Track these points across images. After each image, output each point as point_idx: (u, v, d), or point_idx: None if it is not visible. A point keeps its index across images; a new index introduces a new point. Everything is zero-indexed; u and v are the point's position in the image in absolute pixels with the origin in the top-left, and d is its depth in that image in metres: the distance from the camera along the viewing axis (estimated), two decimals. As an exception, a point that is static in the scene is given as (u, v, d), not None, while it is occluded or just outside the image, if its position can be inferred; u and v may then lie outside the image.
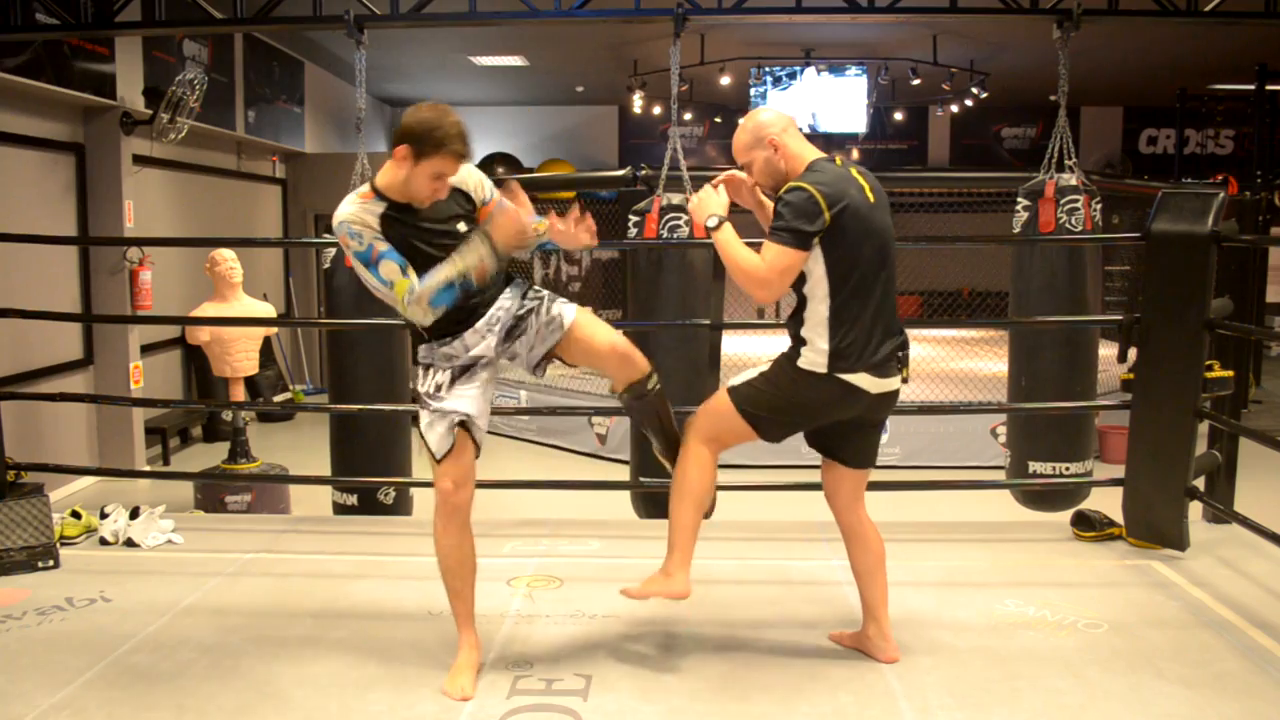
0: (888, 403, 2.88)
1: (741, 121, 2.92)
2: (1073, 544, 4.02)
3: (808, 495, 3.69)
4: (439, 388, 2.84)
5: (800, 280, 2.80)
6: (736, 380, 2.93)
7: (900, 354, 2.84)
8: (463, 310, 2.83)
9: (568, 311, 2.92)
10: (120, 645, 3.07)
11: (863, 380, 2.76)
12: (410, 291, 2.70)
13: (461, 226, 2.82)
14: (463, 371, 2.86)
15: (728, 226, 2.85)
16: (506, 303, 2.91)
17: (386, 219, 2.73)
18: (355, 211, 2.73)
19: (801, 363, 2.80)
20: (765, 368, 2.91)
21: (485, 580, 3.31)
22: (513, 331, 2.92)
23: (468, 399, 2.84)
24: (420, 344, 2.92)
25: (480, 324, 2.86)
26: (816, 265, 2.75)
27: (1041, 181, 4.24)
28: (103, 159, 6.77)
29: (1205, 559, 3.81)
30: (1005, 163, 14.00)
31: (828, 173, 2.76)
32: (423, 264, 2.74)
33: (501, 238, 2.76)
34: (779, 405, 2.85)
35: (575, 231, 2.88)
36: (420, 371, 2.91)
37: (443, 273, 2.71)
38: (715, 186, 2.93)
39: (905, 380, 2.89)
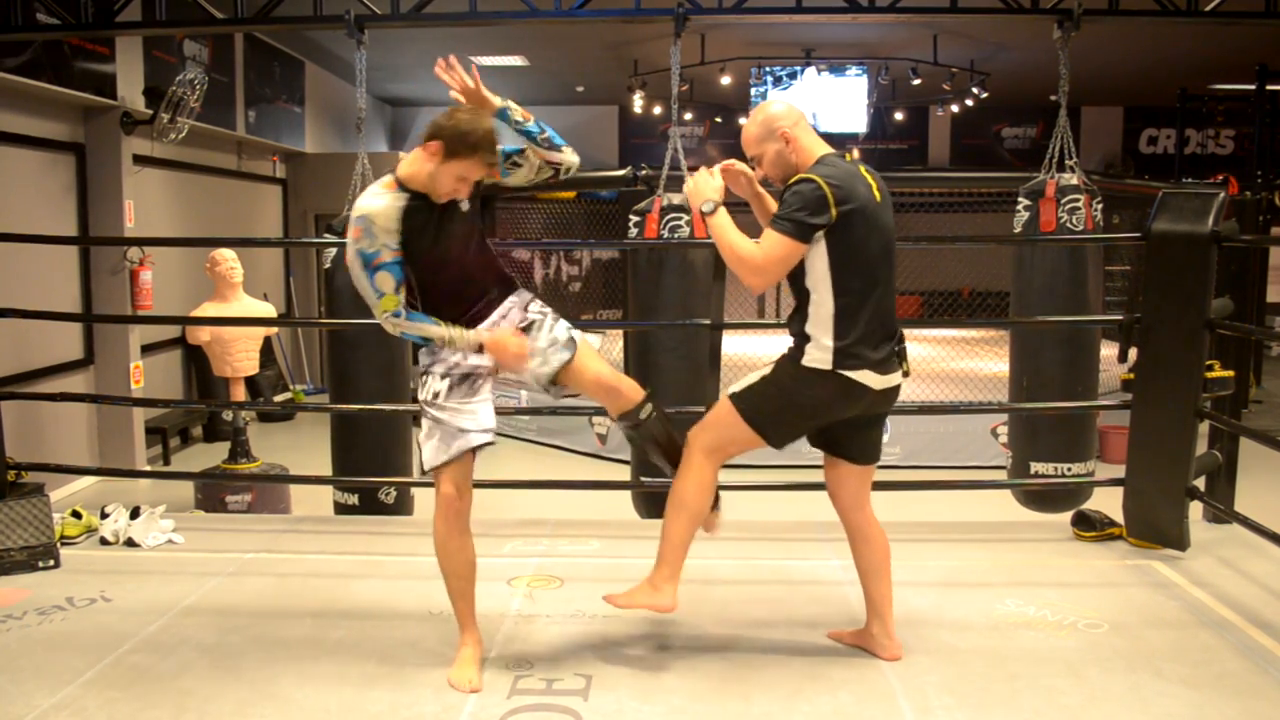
0: (891, 397, 2.88)
1: (751, 113, 2.90)
2: (1073, 544, 4.02)
3: (809, 495, 3.69)
4: (436, 395, 2.84)
5: (802, 276, 2.78)
6: (738, 386, 2.90)
7: (898, 349, 2.85)
8: (461, 318, 2.84)
9: (576, 335, 2.93)
10: (120, 645, 3.07)
11: (866, 377, 2.76)
12: (394, 314, 2.74)
13: (464, 206, 2.84)
14: (462, 380, 2.85)
15: (723, 211, 2.83)
16: (509, 311, 2.92)
17: (409, 211, 2.74)
18: (382, 209, 2.70)
19: (806, 360, 2.78)
20: (766, 371, 2.88)
21: (485, 580, 3.31)
22: None
23: (466, 414, 2.83)
24: (421, 347, 2.92)
25: (482, 330, 2.86)
26: (820, 261, 2.73)
27: (1042, 181, 4.24)
28: (103, 159, 6.76)
29: (1205, 559, 3.81)
30: (1005, 163, 13.99)
31: (838, 168, 2.76)
32: (431, 250, 2.76)
33: (493, 351, 2.78)
34: (784, 407, 2.83)
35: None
36: (421, 378, 2.91)
37: (431, 329, 2.75)
38: (711, 171, 2.90)
39: (906, 374, 2.89)
